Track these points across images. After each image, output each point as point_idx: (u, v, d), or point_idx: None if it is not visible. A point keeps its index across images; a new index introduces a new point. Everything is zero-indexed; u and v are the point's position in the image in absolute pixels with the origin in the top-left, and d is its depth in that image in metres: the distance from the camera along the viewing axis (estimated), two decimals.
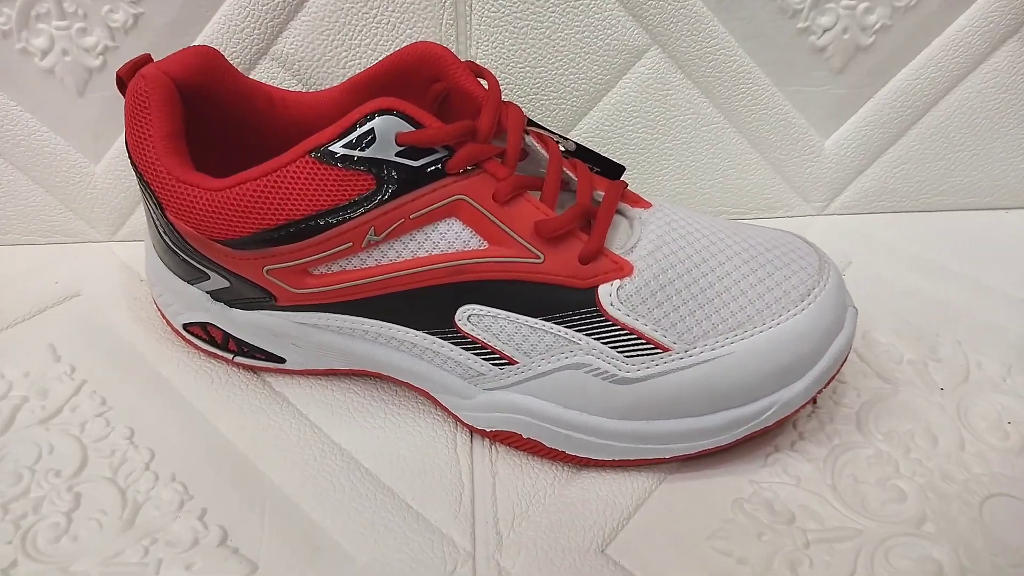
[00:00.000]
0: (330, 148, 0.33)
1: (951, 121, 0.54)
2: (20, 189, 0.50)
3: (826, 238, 0.50)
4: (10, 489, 0.36)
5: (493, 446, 0.38)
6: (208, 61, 0.38)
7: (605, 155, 0.40)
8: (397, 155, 0.33)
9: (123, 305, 0.46)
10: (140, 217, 0.51)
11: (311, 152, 0.33)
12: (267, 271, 0.36)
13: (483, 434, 0.38)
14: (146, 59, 0.38)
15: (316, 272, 0.35)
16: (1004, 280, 0.49)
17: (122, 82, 0.37)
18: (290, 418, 0.40)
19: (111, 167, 0.50)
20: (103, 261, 0.50)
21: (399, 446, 0.39)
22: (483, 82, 0.37)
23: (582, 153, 0.39)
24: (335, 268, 0.35)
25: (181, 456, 0.38)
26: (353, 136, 0.32)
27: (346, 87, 0.40)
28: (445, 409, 0.39)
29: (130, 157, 0.37)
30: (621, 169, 0.40)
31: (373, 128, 0.32)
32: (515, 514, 0.36)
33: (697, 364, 0.34)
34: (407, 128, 0.33)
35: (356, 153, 0.33)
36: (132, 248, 0.51)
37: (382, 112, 0.32)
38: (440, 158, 0.33)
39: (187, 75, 0.37)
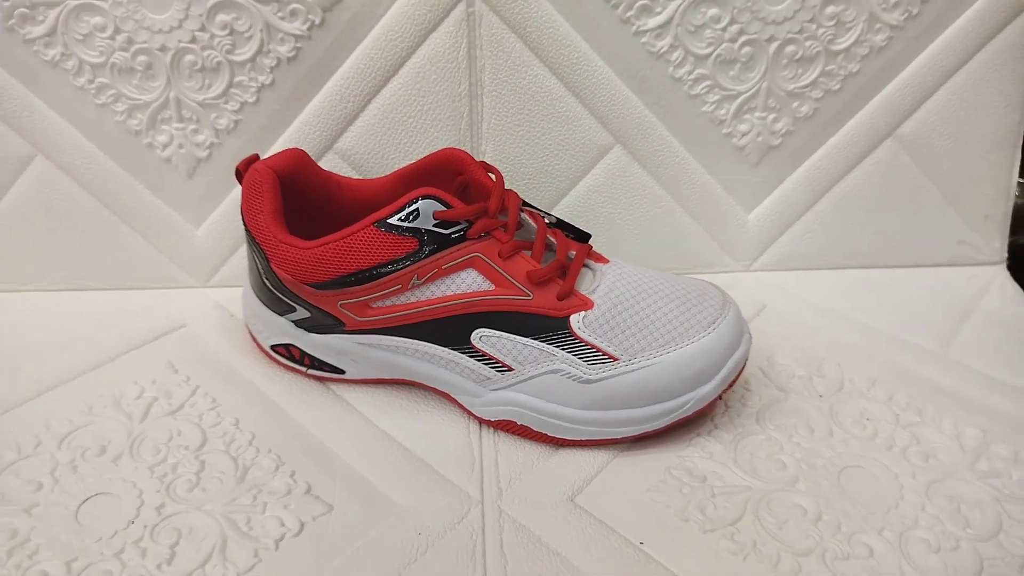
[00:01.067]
0: (388, 220, 0.44)
1: (845, 200, 0.61)
2: (138, 247, 0.58)
3: (749, 289, 0.60)
4: (152, 458, 0.45)
5: (496, 433, 0.48)
6: (298, 159, 0.49)
7: (577, 226, 0.49)
8: (434, 226, 0.44)
9: (219, 334, 0.55)
10: (229, 268, 0.60)
11: (375, 223, 0.44)
12: (340, 304, 0.46)
13: (489, 423, 0.47)
14: (255, 157, 0.49)
15: (374, 305, 0.46)
16: (882, 321, 0.57)
17: (240, 173, 0.48)
18: (349, 413, 0.49)
19: (208, 231, 0.59)
20: (200, 302, 0.59)
21: (428, 431, 0.47)
22: (492, 175, 0.48)
23: (561, 224, 0.49)
24: (388, 303, 0.46)
25: (274, 437, 0.46)
26: (404, 212, 0.44)
27: (393, 177, 0.50)
28: (461, 406, 0.48)
29: (245, 225, 0.48)
30: (588, 236, 0.49)
31: (418, 207, 0.43)
32: (512, 475, 0.44)
33: (637, 370, 0.44)
34: (441, 208, 0.44)
35: (406, 224, 0.44)
36: (222, 292, 0.59)
37: (425, 197, 0.43)
38: (462, 228, 0.44)
39: (285, 168, 0.48)
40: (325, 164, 0.57)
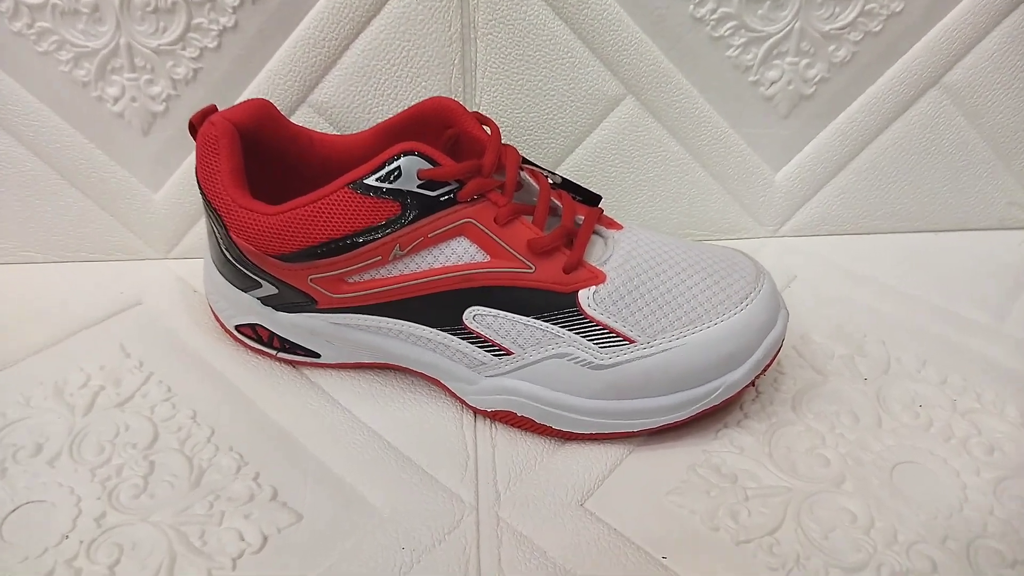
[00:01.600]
0: (365, 181, 0.39)
1: (884, 157, 0.58)
2: (89, 214, 0.55)
3: (776, 257, 0.56)
4: (95, 458, 0.41)
5: (493, 425, 0.43)
6: (262, 110, 0.45)
7: (586, 186, 0.46)
8: (418, 187, 0.39)
9: (179, 311, 0.51)
10: (192, 238, 0.56)
11: (349, 184, 0.39)
12: (311, 279, 0.42)
13: (485, 414, 0.43)
14: (212, 109, 0.44)
15: (350, 280, 0.41)
16: (927, 291, 0.54)
17: (193, 127, 0.43)
18: (324, 401, 0.45)
19: (168, 195, 0.55)
20: (159, 275, 0.55)
21: (415, 423, 0.44)
22: (487, 128, 0.43)
23: (566, 185, 0.45)
24: (366, 277, 0.41)
25: (236, 432, 0.42)
26: (383, 172, 0.39)
27: (373, 132, 0.46)
28: (453, 394, 0.44)
29: (200, 187, 0.43)
30: (598, 198, 0.46)
31: (400, 166, 0.39)
32: (511, 476, 0.40)
33: (657, 353, 0.40)
34: (426, 166, 0.39)
35: (385, 185, 0.39)
36: (185, 264, 0.56)
37: (407, 153, 0.39)
38: (452, 189, 0.40)
39: (246, 121, 0.43)
40: (298, 119, 0.53)
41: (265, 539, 0.37)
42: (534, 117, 0.54)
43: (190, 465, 0.41)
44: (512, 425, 0.43)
